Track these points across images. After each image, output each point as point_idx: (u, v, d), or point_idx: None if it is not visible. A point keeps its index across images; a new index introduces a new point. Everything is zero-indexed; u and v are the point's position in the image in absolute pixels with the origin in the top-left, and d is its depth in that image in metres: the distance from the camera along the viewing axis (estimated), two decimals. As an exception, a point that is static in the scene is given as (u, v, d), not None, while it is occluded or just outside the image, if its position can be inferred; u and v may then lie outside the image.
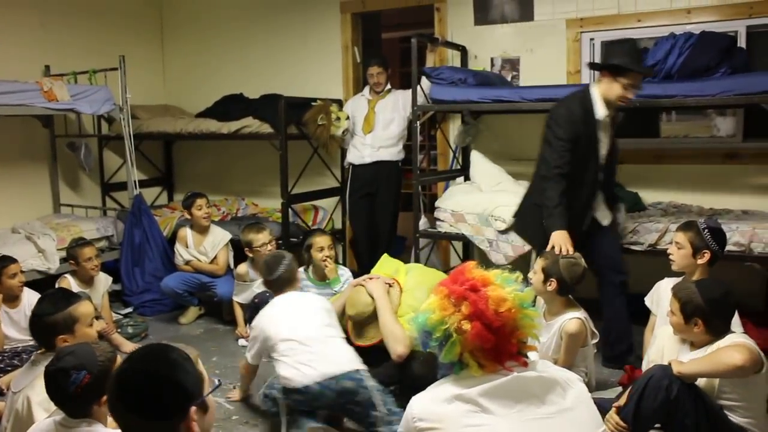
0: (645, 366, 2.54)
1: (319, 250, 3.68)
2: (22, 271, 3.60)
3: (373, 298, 2.95)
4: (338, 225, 5.36)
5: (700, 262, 2.78)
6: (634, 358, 3.23)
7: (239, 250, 4.30)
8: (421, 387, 1.74)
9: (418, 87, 4.25)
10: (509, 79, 4.62)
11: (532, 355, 1.71)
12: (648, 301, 3.05)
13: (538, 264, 2.91)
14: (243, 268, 4.13)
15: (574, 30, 4.42)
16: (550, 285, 2.83)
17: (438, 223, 4.21)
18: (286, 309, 2.87)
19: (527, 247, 3.79)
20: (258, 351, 2.86)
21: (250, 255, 4.08)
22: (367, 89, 4.89)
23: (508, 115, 4.57)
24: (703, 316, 2.25)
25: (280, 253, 3.12)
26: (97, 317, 3.55)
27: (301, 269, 3.85)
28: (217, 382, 1.43)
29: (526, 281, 2.79)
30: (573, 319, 2.78)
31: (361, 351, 3.06)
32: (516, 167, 4.47)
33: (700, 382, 2.19)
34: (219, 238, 4.51)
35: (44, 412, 1.99)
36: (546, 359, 2.21)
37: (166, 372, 1.29)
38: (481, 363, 1.61)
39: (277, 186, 4.77)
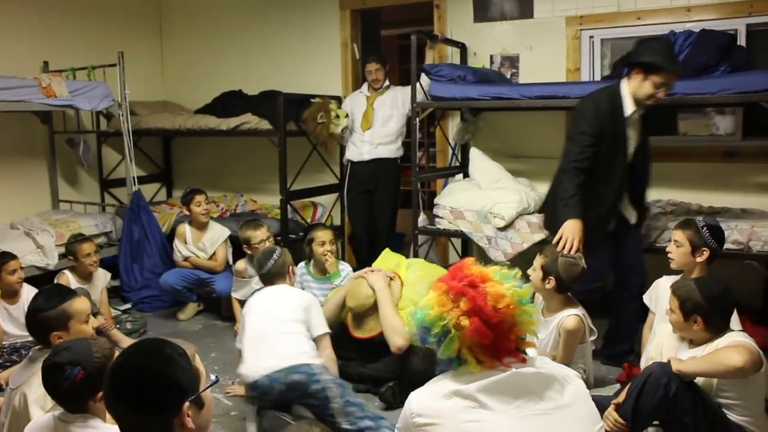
0: (643, 363, 2.54)
1: (320, 244, 3.68)
2: (21, 267, 3.60)
3: (374, 290, 2.95)
4: (337, 222, 5.35)
5: (698, 260, 2.78)
6: (633, 357, 3.23)
7: (238, 246, 4.29)
8: (420, 382, 1.73)
9: (418, 84, 4.24)
10: (509, 76, 4.61)
11: (530, 352, 1.71)
12: (647, 299, 3.04)
13: (537, 261, 2.91)
14: (241, 264, 4.13)
15: (574, 27, 4.41)
16: (548, 283, 2.83)
17: (437, 220, 4.20)
18: (260, 303, 2.85)
19: (526, 245, 3.80)
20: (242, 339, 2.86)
21: (249, 252, 4.07)
22: (365, 86, 4.87)
23: (507, 112, 4.56)
24: (703, 313, 2.25)
25: (271, 248, 3.11)
26: (96, 313, 3.58)
27: (302, 263, 3.85)
28: (214, 378, 1.42)
29: (525, 278, 2.79)
30: (571, 316, 2.79)
31: (360, 346, 3.06)
32: (515, 164, 4.48)
33: (699, 380, 2.19)
34: (218, 234, 4.51)
35: (40, 409, 1.99)
36: (544, 356, 2.20)
37: (160, 367, 1.29)
38: (479, 359, 1.61)
39: (275, 182, 4.76)
